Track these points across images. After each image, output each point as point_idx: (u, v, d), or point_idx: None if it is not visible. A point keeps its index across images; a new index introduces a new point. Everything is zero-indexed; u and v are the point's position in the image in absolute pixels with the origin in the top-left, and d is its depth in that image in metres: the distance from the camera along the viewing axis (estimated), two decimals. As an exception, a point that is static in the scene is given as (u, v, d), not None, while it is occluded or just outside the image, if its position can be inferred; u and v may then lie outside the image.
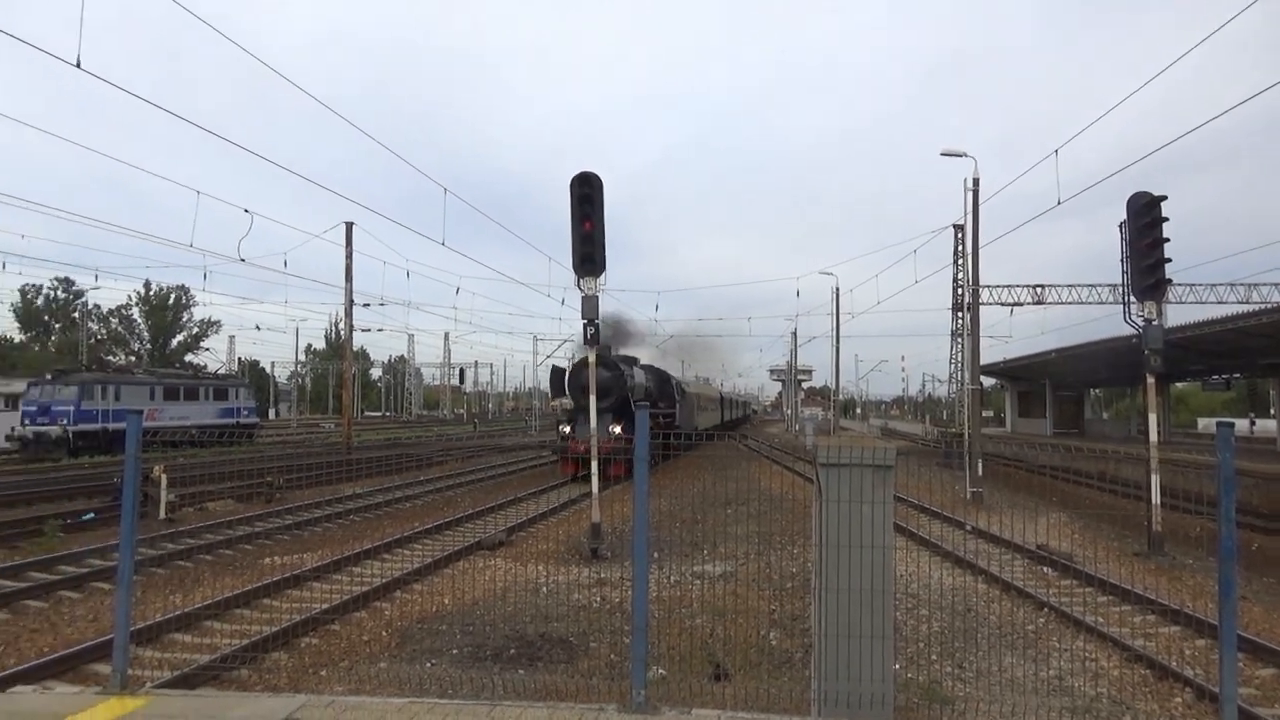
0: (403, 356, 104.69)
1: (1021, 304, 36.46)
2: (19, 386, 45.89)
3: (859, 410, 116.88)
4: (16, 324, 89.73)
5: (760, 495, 19.23)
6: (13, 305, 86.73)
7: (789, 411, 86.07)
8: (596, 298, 13.89)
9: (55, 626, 9.56)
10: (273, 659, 8.02)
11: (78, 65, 12.26)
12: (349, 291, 33.91)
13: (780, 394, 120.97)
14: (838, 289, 53.83)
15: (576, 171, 13.75)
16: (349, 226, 33.60)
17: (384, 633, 9.02)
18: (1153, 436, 15.24)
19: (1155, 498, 14.81)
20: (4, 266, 51.81)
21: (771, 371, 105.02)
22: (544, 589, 10.85)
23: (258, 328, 78.53)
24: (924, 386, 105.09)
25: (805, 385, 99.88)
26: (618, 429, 24.35)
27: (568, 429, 26.15)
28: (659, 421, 26.08)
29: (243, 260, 26.92)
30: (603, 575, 11.69)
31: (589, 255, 13.67)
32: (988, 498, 21.96)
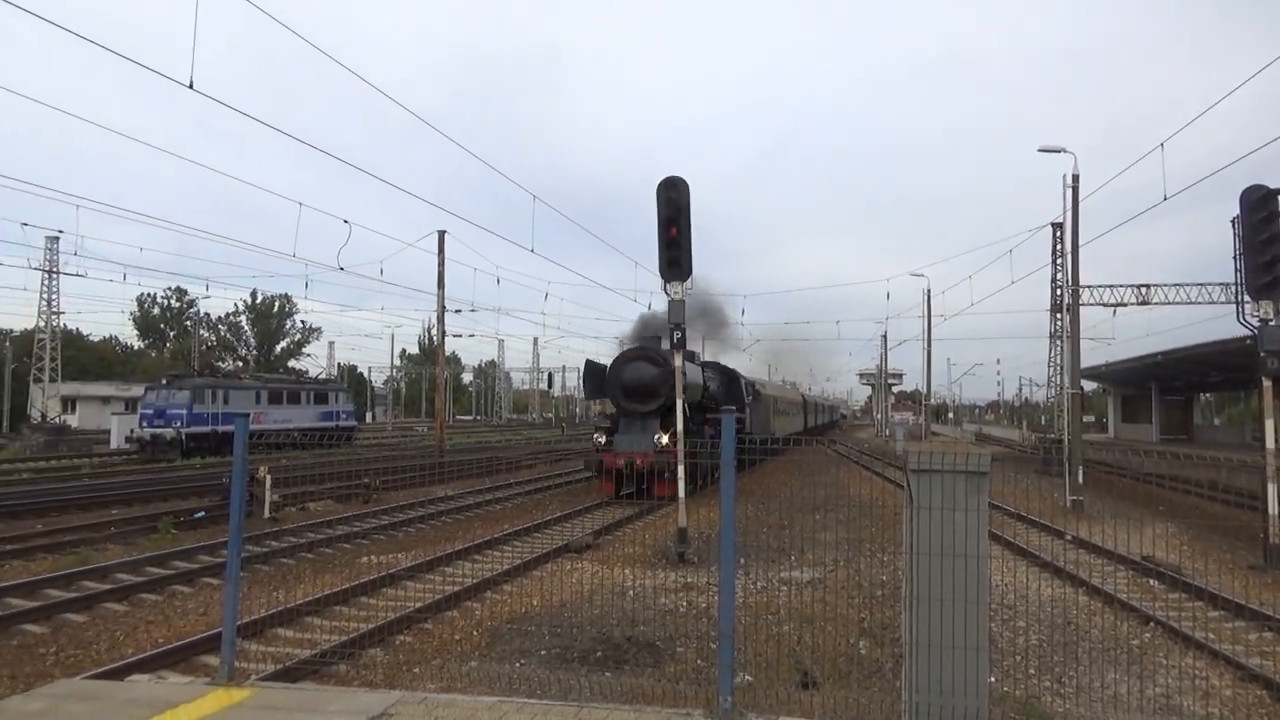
0: (493, 361, 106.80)
1: (1125, 304, 34.95)
2: (137, 391, 48.55)
3: (951, 415, 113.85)
4: (135, 331, 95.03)
5: (849, 501, 18.92)
6: (131, 314, 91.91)
7: (879, 416, 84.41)
8: (683, 302, 13.91)
9: (169, 619, 10.07)
10: (369, 655, 8.28)
11: (190, 86, 12.92)
12: (441, 298, 34.72)
13: (870, 398, 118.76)
14: (929, 290, 52.75)
15: (663, 177, 13.79)
16: (441, 235, 34.44)
17: (475, 632, 9.21)
18: (1269, 443, 14.41)
19: (1273, 508, 14.01)
20: (125, 277, 55.16)
21: (861, 375, 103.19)
22: (630, 592, 10.91)
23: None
24: (1020, 390, 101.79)
25: (895, 389, 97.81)
26: (664, 438, 20.04)
27: (603, 439, 21.48)
28: (719, 428, 23.66)
29: (342, 269, 27.95)
30: (689, 580, 11.69)
31: (675, 259, 13.69)
32: (1089, 506, 21.11)
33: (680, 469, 14.01)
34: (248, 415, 7.16)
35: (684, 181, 13.72)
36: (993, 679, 7.36)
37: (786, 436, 37.06)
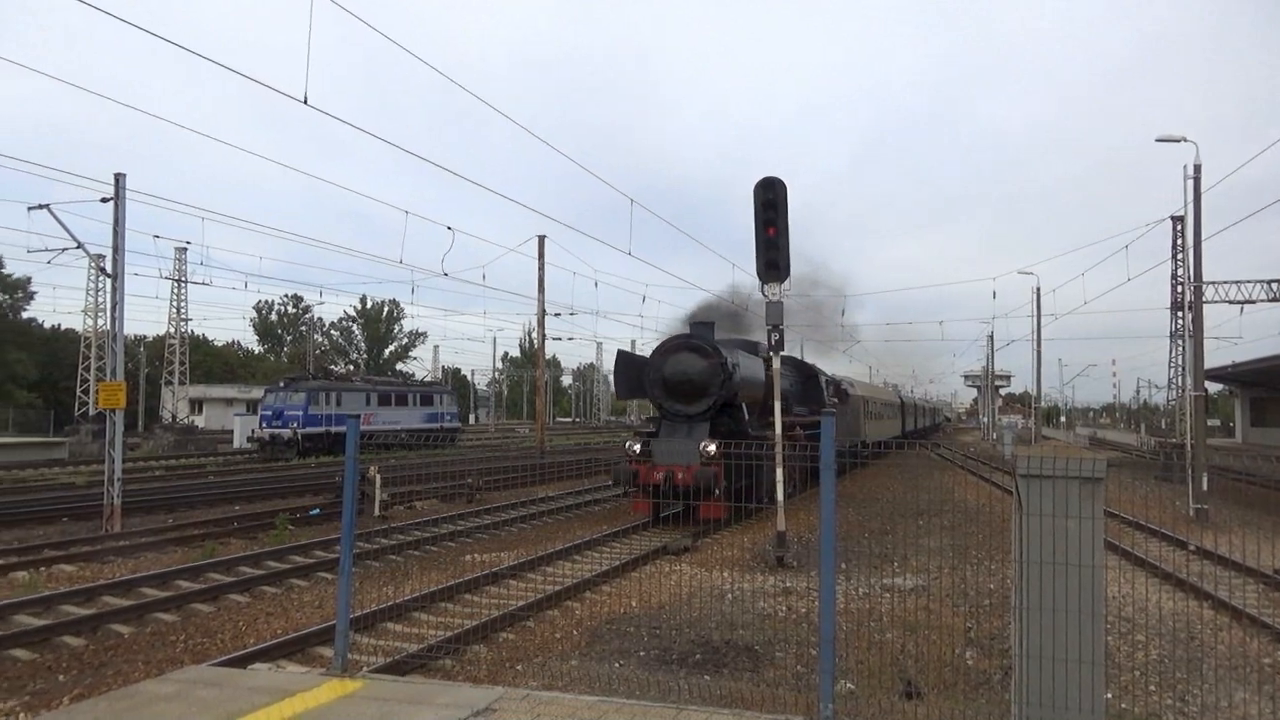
0: (592, 364, 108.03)
1: (1253, 301, 32.82)
2: (258, 393, 51.07)
3: (1063, 418, 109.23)
4: (255, 336, 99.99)
5: (954, 506, 18.38)
6: (251, 320, 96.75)
7: (985, 419, 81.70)
8: (781, 303, 13.79)
9: (286, 611, 10.56)
10: (473, 651, 8.49)
11: (305, 101, 13.52)
12: (541, 302, 35.34)
13: (975, 401, 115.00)
14: (1038, 289, 50.57)
15: (760, 177, 13.70)
16: (541, 240, 35.09)
17: (575, 631, 9.34)
18: None
19: None
20: (246, 285, 58.16)
21: (966, 377, 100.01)
22: (729, 596, 10.87)
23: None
24: (1138, 393, 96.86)
25: (1003, 391, 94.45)
26: (712, 447, 16.33)
27: (638, 447, 17.15)
28: (794, 433, 18.72)
29: (446, 274, 28.79)
30: (788, 584, 11.57)
31: (773, 261, 13.58)
32: (1214, 515, 19.93)
33: (779, 473, 13.86)
34: (358, 417, 7.46)
35: (781, 182, 13.60)
36: (1109, 695, 7.04)
37: (883, 440, 32.49)
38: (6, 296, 73.66)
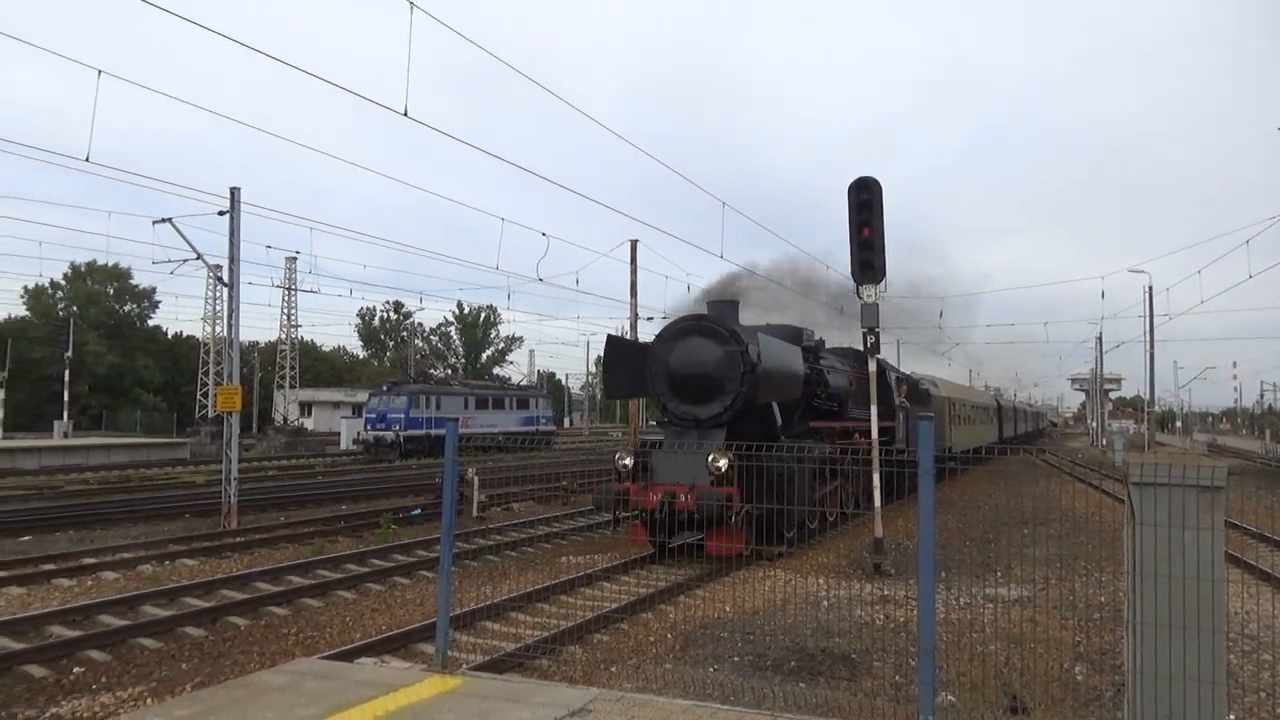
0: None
1: (1397, 298, 30.50)
2: (362, 396, 52.95)
3: (1179, 424, 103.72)
4: (359, 341, 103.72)
5: (1062, 515, 17.68)
6: (356, 326, 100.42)
7: (1094, 424, 78.28)
8: (876, 305, 13.54)
9: (390, 608, 10.92)
10: (569, 652, 8.61)
11: (405, 114, 13.99)
12: (634, 306, 35.53)
13: (1083, 405, 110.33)
14: (1150, 287, 48.19)
15: (855, 178, 13.49)
16: (633, 245, 35.27)
17: (669, 635, 9.37)
18: None
19: None
20: (350, 292, 60.47)
21: (1073, 380, 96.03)
22: (825, 602, 10.72)
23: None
24: (1261, 397, 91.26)
25: (1113, 395, 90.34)
26: (722, 462, 12.74)
27: (628, 461, 13.61)
28: (826, 438, 16.31)
29: (540, 280, 29.20)
30: (886, 592, 11.34)
31: (868, 262, 13.35)
32: (1354, 528, 18.61)
33: (876, 478, 13.58)
34: (457, 420, 7.66)
35: (876, 182, 13.36)
36: (1231, 716, 6.66)
37: (973, 449, 26.65)
38: (135, 306, 78.43)
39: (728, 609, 10.41)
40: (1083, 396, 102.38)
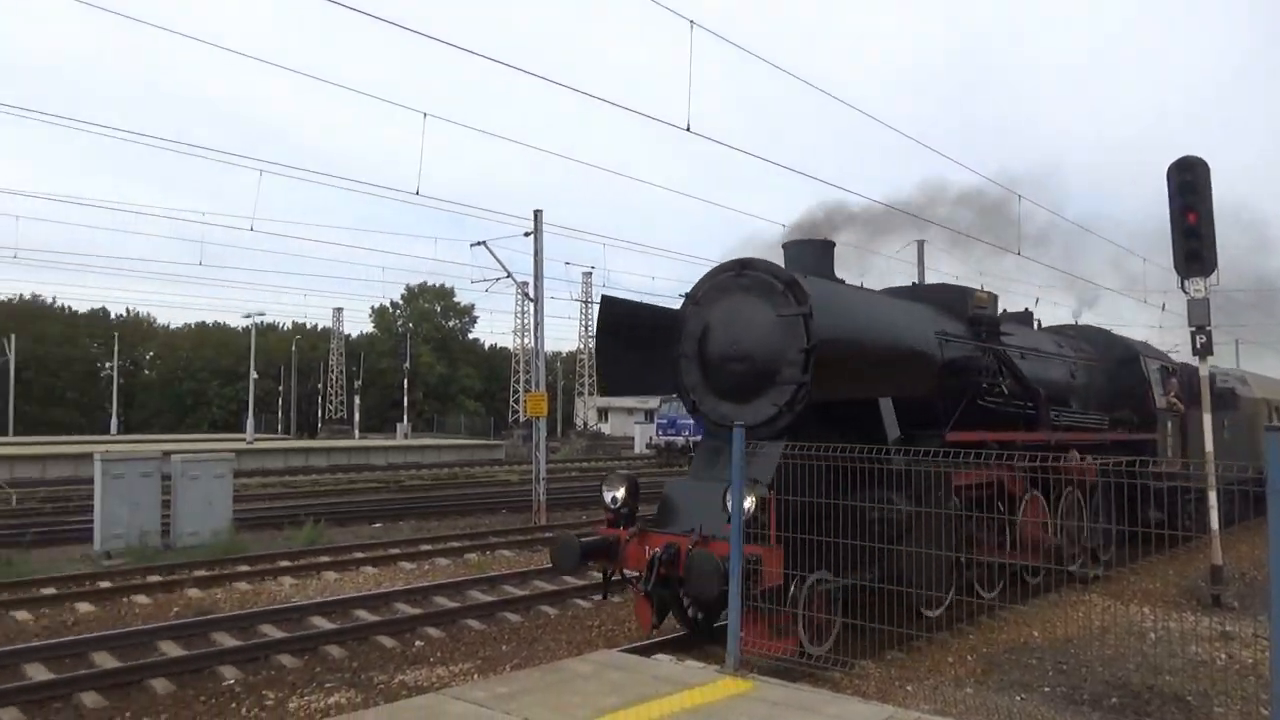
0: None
1: None
2: (654, 403, 55.38)
3: None
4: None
5: None
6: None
7: None
8: (1206, 300, 11.95)
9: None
10: (861, 666, 8.44)
11: (688, 129, 14.59)
12: (924, 309, 34.05)
13: None
14: None
15: (1175, 159, 12.00)
16: (920, 245, 33.84)
17: (969, 656, 8.89)
18: None
19: None
20: (640, 303, 63.63)
21: None
22: (1151, 635, 9.62)
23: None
24: None
25: None
26: (748, 502, 7.36)
27: (619, 492, 8.66)
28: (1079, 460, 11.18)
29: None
30: (1228, 628, 9.95)
31: (1194, 252, 11.80)
32: None
33: (1211, 495, 11.90)
34: (744, 426, 7.80)
35: (1202, 162, 11.79)
36: None
37: None
38: (458, 321, 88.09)
39: (1035, 635, 9.68)
40: None
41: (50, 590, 11.99)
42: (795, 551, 7.50)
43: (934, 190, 15.42)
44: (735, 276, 9.14)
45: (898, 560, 8.03)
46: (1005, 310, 13.34)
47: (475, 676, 8.26)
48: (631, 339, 9.64)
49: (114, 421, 64.73)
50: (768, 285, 8.82)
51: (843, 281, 10.18)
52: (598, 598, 10.93)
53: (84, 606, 11.30)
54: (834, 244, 10.43)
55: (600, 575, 8.99)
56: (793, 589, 7.66)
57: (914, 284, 11.89)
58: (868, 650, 8.27)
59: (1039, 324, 14.80)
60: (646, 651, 8.47)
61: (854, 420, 9.06)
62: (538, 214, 20.27)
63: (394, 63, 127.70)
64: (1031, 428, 11.26)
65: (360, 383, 68.21)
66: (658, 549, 7.99)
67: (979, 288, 12.44)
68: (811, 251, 10.02)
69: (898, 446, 8.52)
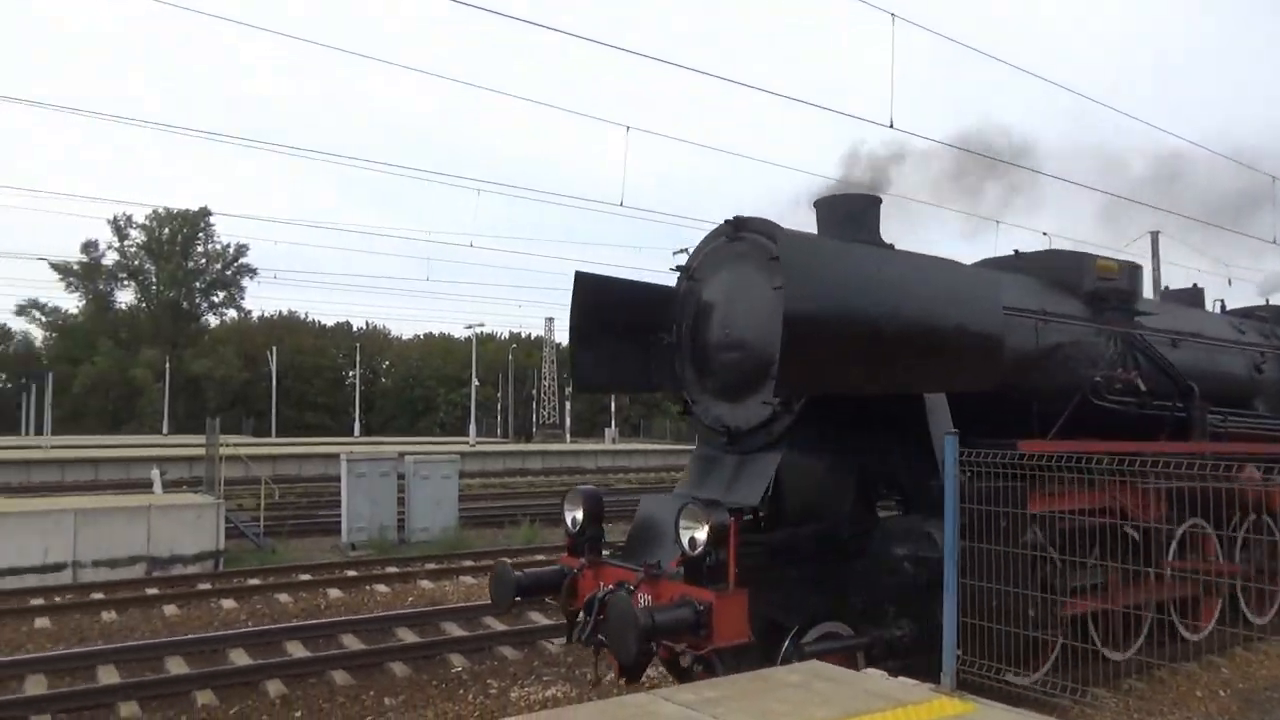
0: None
1: None
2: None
3: None
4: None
5: None
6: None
7: None
8: None
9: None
10: (1095, 694, 7.83)
11: (890, 125, 14.23)
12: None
13: None
14: None
15: None
16: (1154, 236, 31.17)
17: (1221, 691, 8.03)
18: None
19: None
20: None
21: None
22: None
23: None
24: None
25: None
26: (701, 532, 5.94)
27: (579, 514, 7.14)
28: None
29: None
30: None
31: None
32: None
33: None
34: (956, 434, 7.46)
35: None
36: None
37: None
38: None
39: (1306, 671, 8.59)
40: None
41: (306, 576, 13.44)
42: (793, 596, 6.29)
43: (1170, 171, 13.97)
44: (729, 242, 7.36)
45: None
46: (1168, 287, 11.04)
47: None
48: (615, 324, 7.81)
49: (357, 425, 71.30)
50: (762, 250, 6.97)
51: (892, 247, 7.65)
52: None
53: (334, 592, 12.54)
54: (879, 199, 7.97)
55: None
56: (785, 648, 6.09)
57: (1016, 251, 9.52)
58: (1099, 677, 7.66)
59: (1221, 306, 12.27)
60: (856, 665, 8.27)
61: (895, 422, 7.01)
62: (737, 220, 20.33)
63: (595, 79, 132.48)
64: (1181, 435, 8.75)
65: (571, 389, 71.19)
66: (608, 586, 6.24)
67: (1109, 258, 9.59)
68: (847, 209, 7.66)
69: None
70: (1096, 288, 8.86)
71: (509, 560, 9.99)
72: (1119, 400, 8.31)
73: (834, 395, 6.72)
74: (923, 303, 6.93)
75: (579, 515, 7.11)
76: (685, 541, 5.98)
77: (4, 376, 77.75)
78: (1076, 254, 9.60)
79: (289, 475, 31.25)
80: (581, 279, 7.72)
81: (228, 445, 22.17)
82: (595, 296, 7.74)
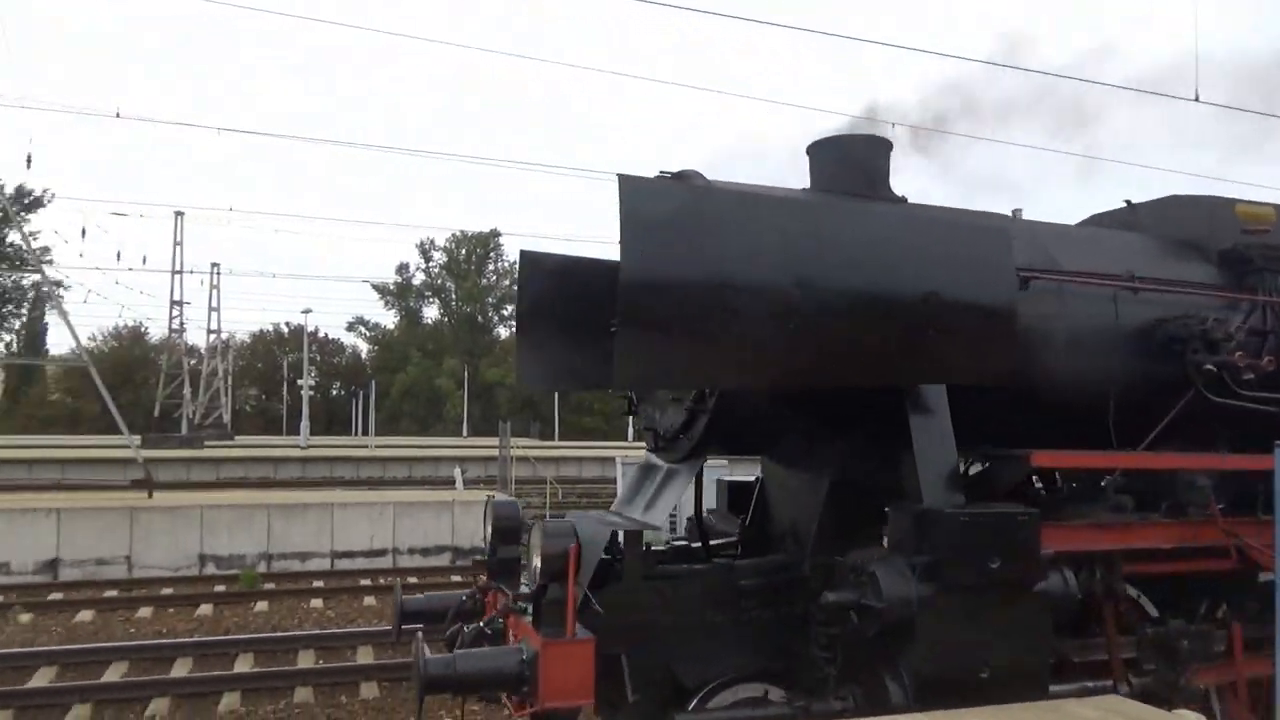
0: None
1: None
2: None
3: None
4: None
5: None
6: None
7: None
8: None
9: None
10: None
11: (1195, 99, 12.95)
12: None
13: None
14: None
15: None
16: None
17: None
18: None
19: None
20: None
21: None
22: None
23: None
24: None
25: None
26: (535, 559, 4.55)
27: (489, 532, 5.60)
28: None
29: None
30: None
31: None
32: None
33: None
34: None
35: None
36: None
37: None
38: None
39: None
40: None
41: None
42: (707, 648, 4.86)
43: None
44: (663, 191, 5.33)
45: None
46: None
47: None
48: (566, 311, 6.03)
49: (629, 430, 74.55)
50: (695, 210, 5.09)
51: (904, 200, 5.81)
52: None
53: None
54: (889, 143, 6.00)
55: None
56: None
57: (1127, 202, 7.27)
58: None
59: None
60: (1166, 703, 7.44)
61: (887, 423, 5.06)
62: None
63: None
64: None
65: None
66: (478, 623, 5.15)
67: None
68: (843, 154, 5.74)
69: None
70: (1236, 243, 6.55)
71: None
72: (1252, 397, 5.99)
73: (792, 390, 5.14)
74: (877, 268, 4.95)
75: (489, 532, 5.70)
76: (547, 550, 4.40)
77: (339, 385, 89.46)
78: (1208, 199, 7.11)
79: (570, 476, 33.26)
80: (529, 259, 6.17)
81: (517, 447, 24.01)
82: (542, 277, 6.14)
